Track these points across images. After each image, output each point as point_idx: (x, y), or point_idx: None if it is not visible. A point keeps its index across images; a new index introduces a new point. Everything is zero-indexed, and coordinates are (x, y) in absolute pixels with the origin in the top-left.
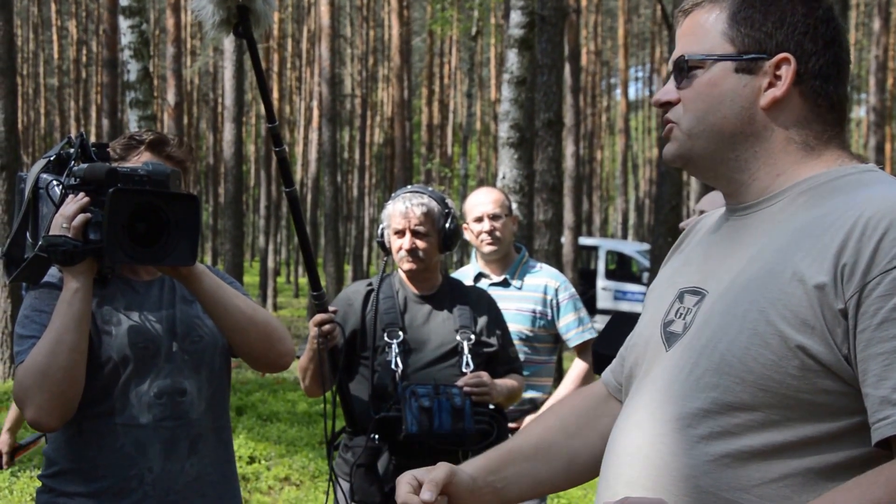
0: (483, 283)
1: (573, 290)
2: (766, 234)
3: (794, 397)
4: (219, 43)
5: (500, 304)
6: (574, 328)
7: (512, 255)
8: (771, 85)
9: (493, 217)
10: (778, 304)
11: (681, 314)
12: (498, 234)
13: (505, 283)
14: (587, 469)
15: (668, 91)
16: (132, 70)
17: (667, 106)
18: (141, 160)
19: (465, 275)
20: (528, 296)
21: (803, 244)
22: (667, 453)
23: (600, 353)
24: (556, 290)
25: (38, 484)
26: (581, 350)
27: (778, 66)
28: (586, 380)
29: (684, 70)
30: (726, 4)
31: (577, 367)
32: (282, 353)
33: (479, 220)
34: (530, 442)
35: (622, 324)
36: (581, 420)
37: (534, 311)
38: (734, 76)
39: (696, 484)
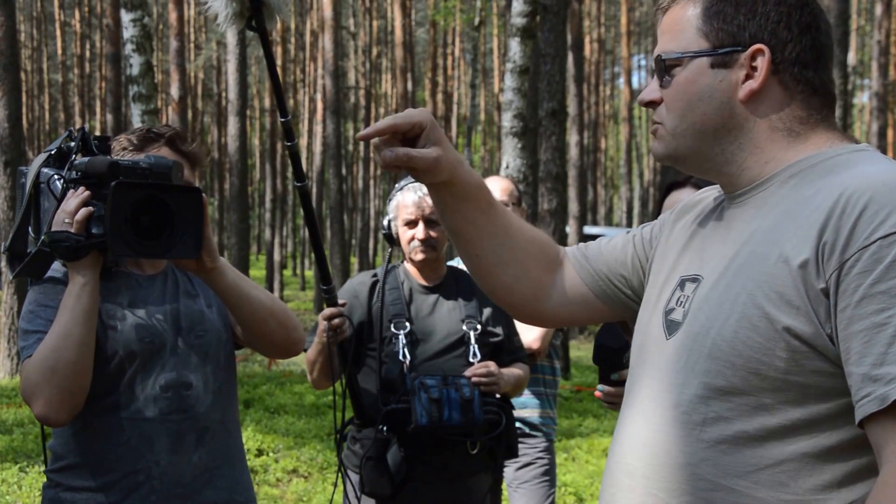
0: None
1: None
2: (758, 218)
3: (783, 380)
4: (222, 36)
5: None
6: None
7: None
8: (748, 77)
9: (503, 204)
10: (765, 286)
11: (681, 302)
12: None
13: None
14: (491, 263)
15: (652, 90)
16: (135, 64)
17: (652, 105)
18: (155, 153)
19: (458, 261)
20: None
21: (790, 225)
22: (666, 441)
23: (601, 343)
24: None
25: (46, 479)
26: None
27: (753, 58)
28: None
29: (664, 69)
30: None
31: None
32: (296, 339)
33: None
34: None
35: None
36: (530, 245)
37: None
38: (710, 72)
39: (694, 472)
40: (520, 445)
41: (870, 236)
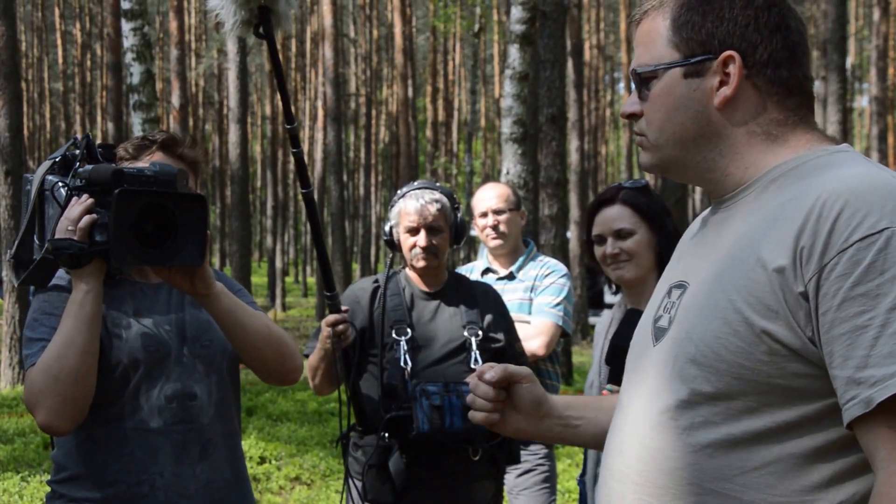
0: (490, 278)
1: (566, 282)
2: (740, 223)
3: (766, 383)
4: (223, 44)
5: (504, 297)
6: (544, 307)
7: (520, 250)
8: (723, 83)
9: (497, 212)
10: (744, 290)
11: (667, 309)
12: (502, 228)
13: (510, 277)
14: None
15: (632, 103)
16: (135, 73)
17: (633, 117)
18: (153, 160)
19: (473, 269)
20: (525, 285)
21: (768, 230)
22: (654, 447)
23: (616, 345)
24: (545, 276)
25: (48, 489)
26: (539, 328)
27: (725, 64)
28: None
29: (641, 82)
30: (668, 10)
31: (531, 327)
32: (292, 369)
33: (484, 215)
34: (598, 400)
35: (638, 318)
36: None
37: (527, 299)
38: (684, 82)
39: (682, 476)
40: (520, 452)
41: (847, 239)
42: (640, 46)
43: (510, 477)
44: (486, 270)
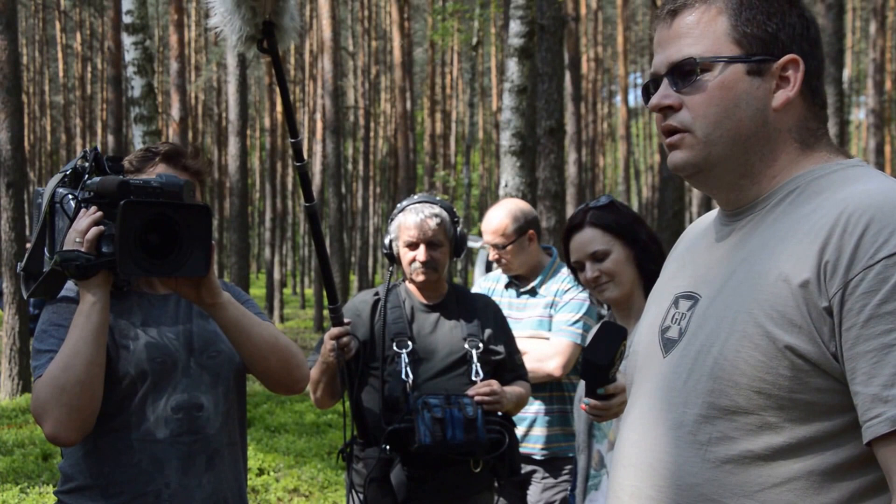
0: (512, 291)
1: (587, 296)
2: (756, 236)
3: (787, 398)
4: (222, 57)
5: (525, 312)
6: (562, 326)
7: (542, 263)
8: (778, 87)
9: (496, 247)
10: (765, 304)
11: (676, 319)
12: (504, 260)
13: (532, 293)
14: None
15: (667, 95)
16: (136, 86)
17: (668, 110)
18: (156, 172)
19: (499, 279)
20: (546, 301)
21: (788, 244)
22: (669, 462)
23: (588, 360)
24: (565, 291)
25: (49, 500)
26: (556, 347)
27: (784, 68)
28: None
29: (694, 73)
30: (723, 5)
31: (545, 346)
32: (299, 378)
33: (492, 245)
34: None
35: (611, 332)
36: None
37: (547, 316)
38: (746, 79)
39: (700, 492)
40: (545, 466)
41: (874, 256)
42: (685, 37)
43: (535, 490)
44: (510, 284)
